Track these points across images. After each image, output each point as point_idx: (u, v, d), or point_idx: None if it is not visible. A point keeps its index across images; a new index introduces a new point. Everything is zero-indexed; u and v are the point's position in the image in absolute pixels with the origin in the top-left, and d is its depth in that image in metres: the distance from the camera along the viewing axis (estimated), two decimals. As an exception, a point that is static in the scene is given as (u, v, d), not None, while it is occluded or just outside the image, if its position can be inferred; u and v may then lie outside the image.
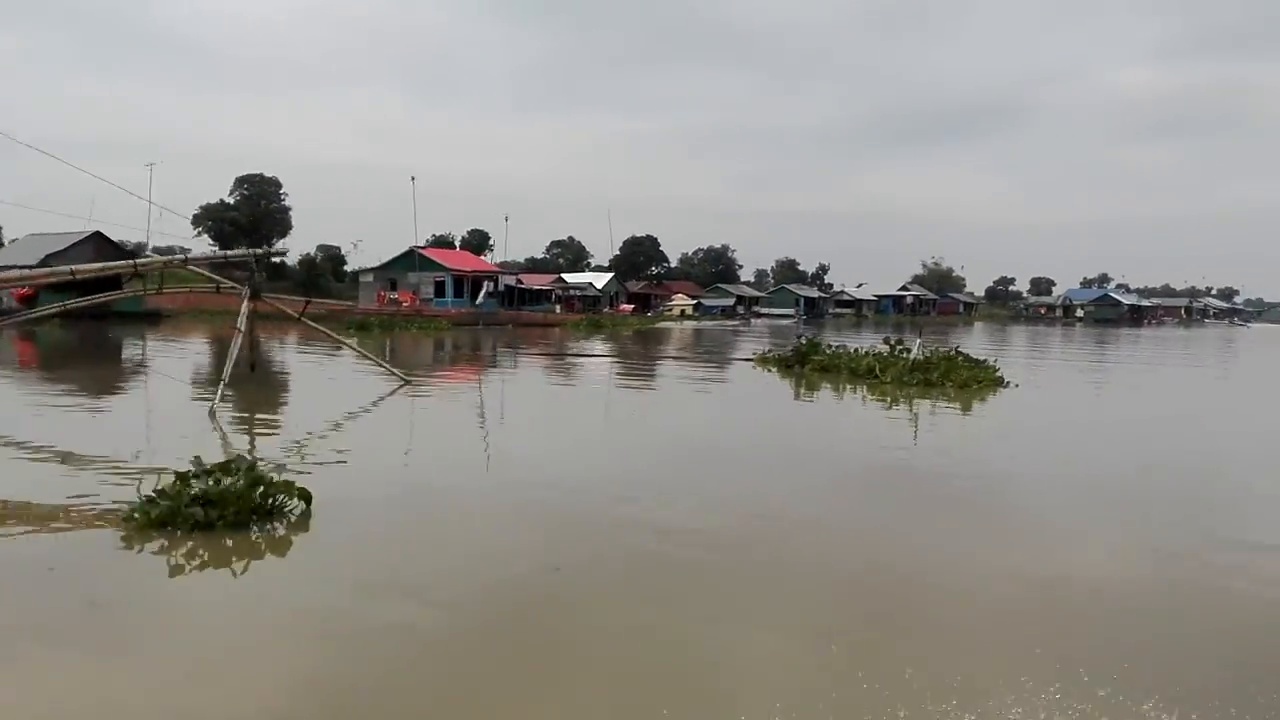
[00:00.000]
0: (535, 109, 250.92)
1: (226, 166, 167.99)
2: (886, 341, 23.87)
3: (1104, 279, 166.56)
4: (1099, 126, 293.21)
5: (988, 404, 18.10)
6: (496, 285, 72.08)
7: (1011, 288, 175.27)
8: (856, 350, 24.26)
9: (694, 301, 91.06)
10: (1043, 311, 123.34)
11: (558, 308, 72.91)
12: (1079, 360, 36.84)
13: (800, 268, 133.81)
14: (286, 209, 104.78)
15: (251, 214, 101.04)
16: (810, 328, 75.76)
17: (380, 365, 18.78)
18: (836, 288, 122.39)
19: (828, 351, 24.90)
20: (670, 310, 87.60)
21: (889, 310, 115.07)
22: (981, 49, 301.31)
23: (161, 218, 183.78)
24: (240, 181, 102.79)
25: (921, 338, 21.50)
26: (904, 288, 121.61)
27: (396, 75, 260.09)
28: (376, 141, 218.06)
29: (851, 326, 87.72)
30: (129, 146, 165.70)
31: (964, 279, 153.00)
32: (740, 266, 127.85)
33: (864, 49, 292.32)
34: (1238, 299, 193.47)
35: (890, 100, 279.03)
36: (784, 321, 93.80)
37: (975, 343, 50.39)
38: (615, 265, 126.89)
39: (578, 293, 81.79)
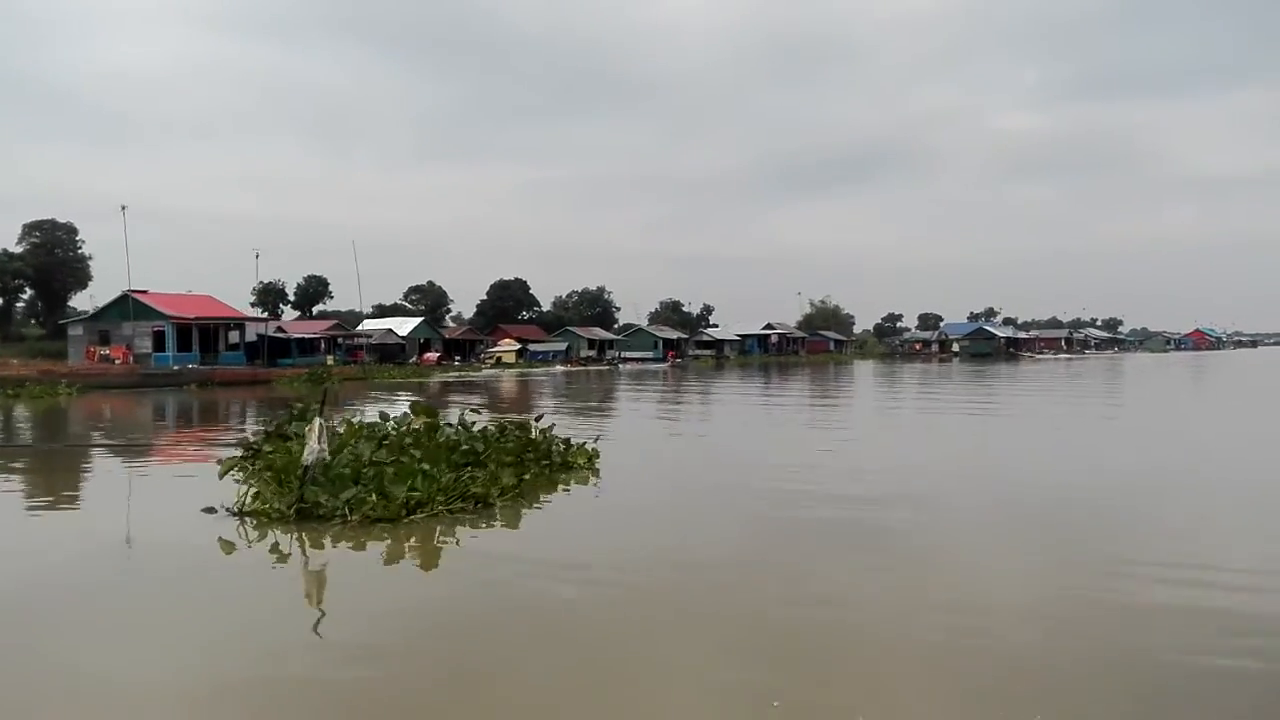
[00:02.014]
0: (433, 158, 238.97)
1: (101, 220, 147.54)
2: (382, 415, 12.73)
3: (990, 313, 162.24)
4: (985, 167, 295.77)
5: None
6: (243, 334, 59.34)
7: (900, 324, 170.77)
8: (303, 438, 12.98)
9: (518, 348, 79.45)
10: (918, 348, 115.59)
11: (329, 359, 60.14)
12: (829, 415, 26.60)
13: (685, 309, 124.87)
14: (84, 258, 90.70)
15: (42, 264, 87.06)
16: (677, 372, 66.55)
17: None
18: (720, 329, 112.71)
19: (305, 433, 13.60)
20: (488, 359, 75.88)
21: (754, 350, 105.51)
22: (873, 96, 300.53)
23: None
24: (30, 229, 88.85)
25: (323, 415, 10.38)
26: (768, 326, 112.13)
27: (295, 128, 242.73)
28: (274, 195, 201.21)
29: (712, 370, 77.65)
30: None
31: (853, 317, 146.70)
32: (618, 309, 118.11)
33: (762, 99, 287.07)
34: (1122, 329, 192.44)
35: (788, 146, 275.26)
36: (655, 365, 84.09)
37: (770, 387, 39.85)
38: (482, 310, 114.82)
39: (369, 340, 69.14)
